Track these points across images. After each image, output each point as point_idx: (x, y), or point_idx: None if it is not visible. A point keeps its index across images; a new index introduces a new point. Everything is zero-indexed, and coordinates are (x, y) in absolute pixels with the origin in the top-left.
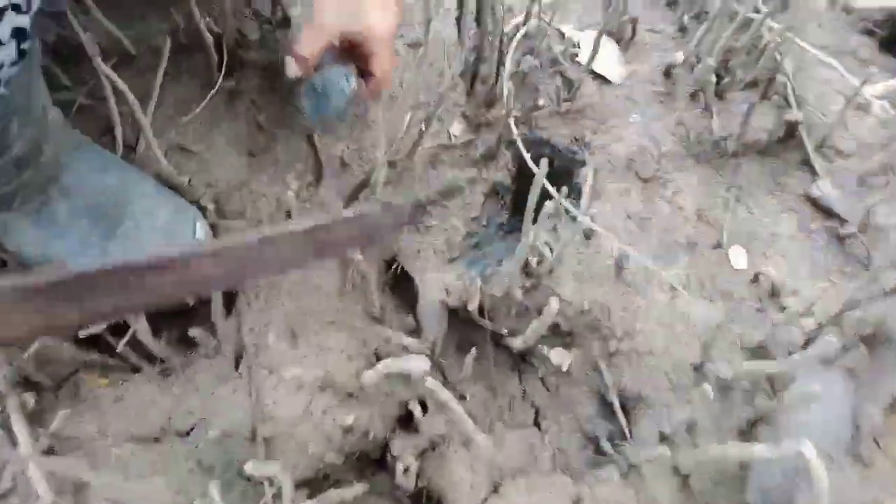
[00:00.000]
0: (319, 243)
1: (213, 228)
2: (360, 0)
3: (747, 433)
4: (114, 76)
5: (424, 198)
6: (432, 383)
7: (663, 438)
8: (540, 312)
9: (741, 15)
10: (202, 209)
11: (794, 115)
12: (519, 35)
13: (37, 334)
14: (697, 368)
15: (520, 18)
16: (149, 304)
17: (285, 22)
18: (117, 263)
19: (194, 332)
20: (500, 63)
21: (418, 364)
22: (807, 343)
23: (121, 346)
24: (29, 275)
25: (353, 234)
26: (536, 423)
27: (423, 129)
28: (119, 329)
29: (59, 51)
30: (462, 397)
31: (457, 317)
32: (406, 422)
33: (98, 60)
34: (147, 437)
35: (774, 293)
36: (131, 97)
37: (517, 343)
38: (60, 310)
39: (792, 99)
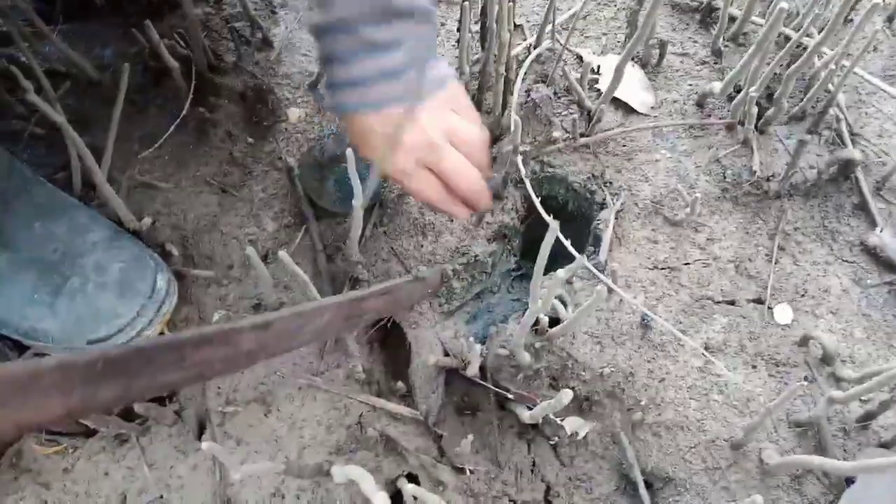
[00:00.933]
0: (353, 314)
1: (179, 276)
2: (434, 144)
3: None
4: (51, 112)
5: (451, 270)
6: (412, 488)
7: None
8: (553, 378)
9: (792, 40)
10: (166, 255)
11: (849, 152)
12: (529, 60)
13: (73, 416)
14: (736, 447)
15: (531, 40)
16: (191, 380)
17: (265, 44)
18: (161, 341)
19: (141, 407)
20: (508, 91)
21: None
22: (866, 419)
23: None
24: (69, 355)
25: (386, 304)
26: (547, 500)
27: None
28: None
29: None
30: (461, 471)
31: (457, 374)
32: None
33: (31, 94)
34: None
35: (826, 360)
36: (75, 137)
37: (525, 416)
38: (102, 390)
39: (846, 134)
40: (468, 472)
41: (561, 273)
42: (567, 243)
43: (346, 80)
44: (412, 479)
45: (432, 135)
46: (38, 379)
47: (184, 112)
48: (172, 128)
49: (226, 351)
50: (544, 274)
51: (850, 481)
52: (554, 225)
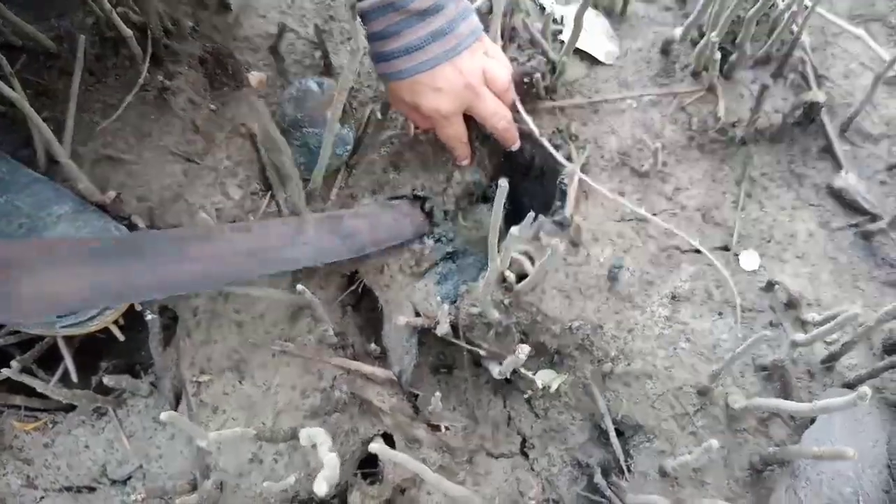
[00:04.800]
0: (336, 230)
1: None
2: (473, 86)
3: (761, 473)
4: (7, 89)
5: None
6: (378, 448)
7: (664, 474)
8: (524, 333)
9: None
10: (133, 227)
11: (814, 94)
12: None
13: (92, 297)
14: (703, 393)
15: None
16: (189, 281)
17: (222, 6)
18: (161, 233)
19: (111, 380)
20: None
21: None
22: (830, 360)
23: (53, 381)
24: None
25: (371, 230)
26: (523, 452)
27: (379, 115)
28: (48, 363)
29: None
30: (436, 428)
31: (431, 334)
32: (372, 462)
33: None
34: (80, 487)
35: (792, 304)
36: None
37: (495, 372)
38: (112, 270)
39: (811, 77)
40: (444, 429)
41: (514, 230)
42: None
43: (400, 49)
44: (387, 438)
45: (472, 79)
46: (53, 250)
47: (141, 81)
48: (130, 97)
49: (220, 248)
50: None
51: (814, 422)
52: (503, 183)
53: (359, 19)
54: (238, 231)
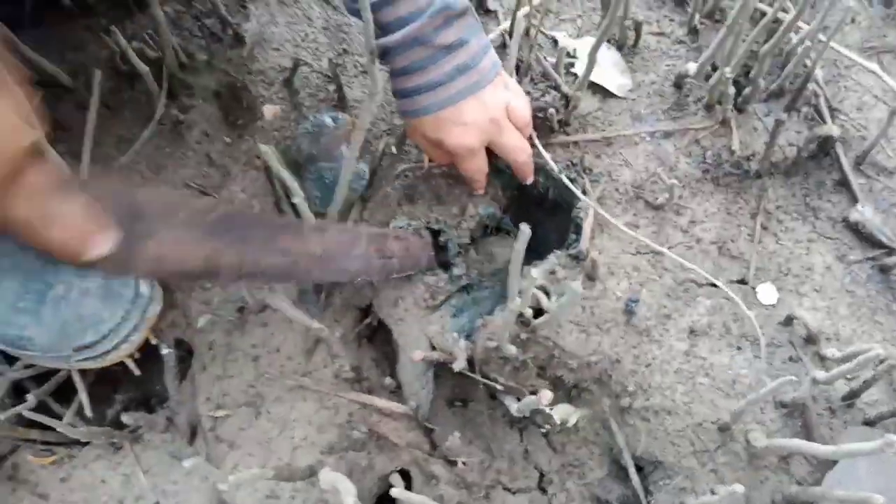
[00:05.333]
0: (381, 249)
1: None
2: (497, 120)
3: None
4: None
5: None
6: (399, 492)
7: None
8: (541, 367)
9: (768, 15)
10: None
11: (828, 128)
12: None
13: (205, 271)
14: (723, 430)
15: (505, 25)
16: (277, 271)
17: (236, 40)
18: (254, 217)
19: (129, 417)
20: None
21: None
22: (851, 397)
23: (68, 415)
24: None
25: (402, 254)
26: (541, 488)
27: (395, 150)
28: (63, 395)
29: None
30: (453, 463)
31: (446, 367)
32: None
33: None
34: None
35: (811, 340)
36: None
37: (513, 409)
38: (222, 243)
39: (825, 110)
40: (461, 464)
41: (534, 272)
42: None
43: (425, 85)
44: (405, 474)
45: (496, 113)
46: (175, 210)
47: (157, 115)
48: (147, 132)
49: (303, 245)
50: (526, 263)
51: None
52: (525, 229)
53: (377, 61)
54: (315, 231)
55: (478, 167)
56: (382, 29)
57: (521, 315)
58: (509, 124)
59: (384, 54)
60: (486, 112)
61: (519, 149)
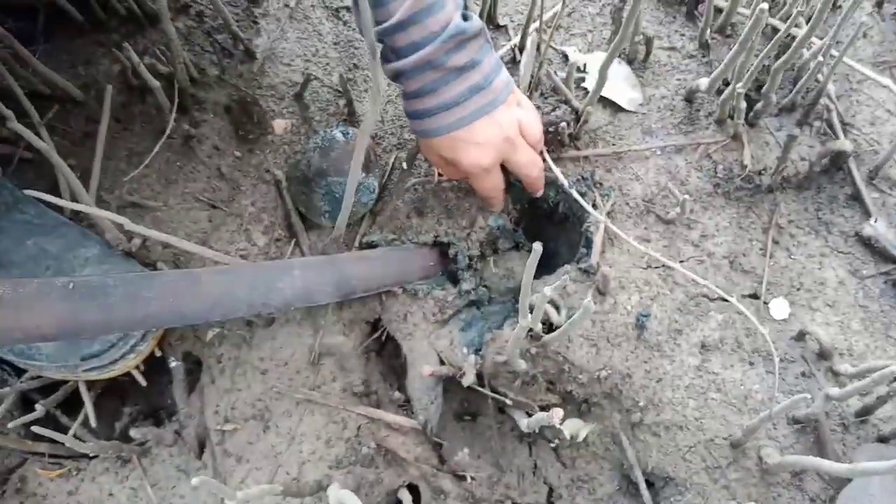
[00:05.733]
0: (341, 281)
1: None
2: (511, 138)
3: None
4: (35, 139)
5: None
6: None
7: None
8: (551, 382)
9: (781, 32)
10: None
11: (840, 143)
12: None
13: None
14: (736, 446)
15: (515, 40)
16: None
17: (247, 55)
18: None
19: (138, 432)
20: None
21: None
22: (864, 413)
23: (75, 427)
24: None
25: (376, 281)
26: (550, 503)
27: (405, 166)
28: (70, 405)
29: None
30: (462, 478)
31: (455, 381)
32: None
33: (13, 122)
34: None
35: (824, 355)
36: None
37: (522, 425)
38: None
39: (837, 124)
40: (469, 478)
41: (547, 290)
42: None
43: (439, 106)
44: (413, 489)
45: (510, 132)
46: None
47: (168, 130)
48: (158, 147)
49: (231, 280)
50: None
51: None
52: (537, 248)
53: (379, 59)
54: (243, 266)
55: (493, 185)
56: (395, 53)
57: (531, 330)
58: (522, 141)
59: (396, 77)
60: (501, 131)
61: (531, 164)
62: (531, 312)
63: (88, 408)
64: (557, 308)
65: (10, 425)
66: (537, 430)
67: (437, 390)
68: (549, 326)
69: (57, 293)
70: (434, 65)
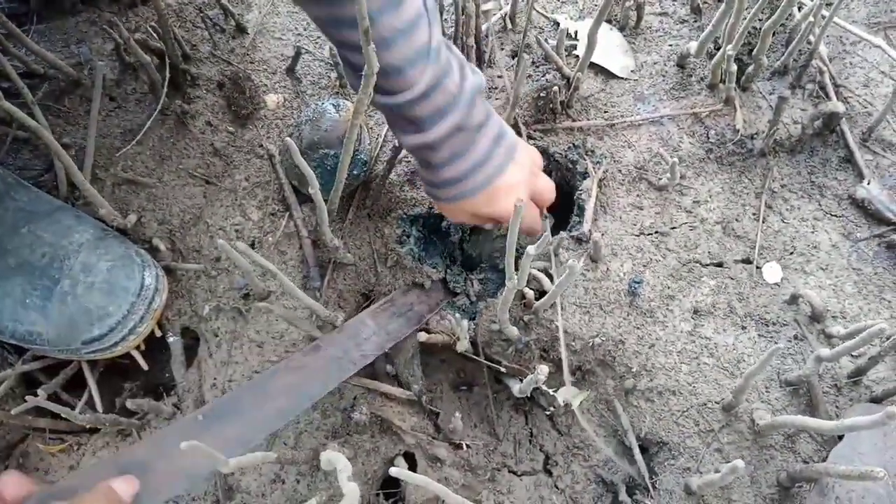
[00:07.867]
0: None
1: (168, 271)
2: (533, 170)
3: (789, 490)
4: (27, 118)
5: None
6: (398, 471)
7: (690, 492)
8: (544, 350)
9: None
10: (154, 250)
11: (833, 105)
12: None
13: None
14: (728, 410)
15: (506, 9)
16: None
17: (239, 30)
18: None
19: (134, 403)
20: (480, 62)
21: None
22: (857, 374)
23: (79, 406)
24: None
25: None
26: (546, 470)
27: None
28: (73, 384)
29: None
30: (458, 446)
31: (450, 350)
32: (395, 481)
33: (3, 102)
34: None
35: (816, 318)
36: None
37: (515, 390)
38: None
39: (829, 87)
40: (465, 446)
41: (531, 250)
42: None
43: (473, 166)
44: (409, 457)
45: (531, 167)
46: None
47: (160, 106)
48: (150, 122)
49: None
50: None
51: (841, 438)
52: (520, 203)
53: (371, 42)
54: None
55: (532, 217)
56: (417, 123)
57: (523, 297)
58: (537, 168)
59: (420, 150)
60: (525, 170)
61: (550, 188)
62: (517, 273)
63: (92, 387)
64: (551, 277)
65: (13, 412)
66: (532, 397)
67: (416, 360)
68: (543, 296)
69: None
70: (462, 128)
